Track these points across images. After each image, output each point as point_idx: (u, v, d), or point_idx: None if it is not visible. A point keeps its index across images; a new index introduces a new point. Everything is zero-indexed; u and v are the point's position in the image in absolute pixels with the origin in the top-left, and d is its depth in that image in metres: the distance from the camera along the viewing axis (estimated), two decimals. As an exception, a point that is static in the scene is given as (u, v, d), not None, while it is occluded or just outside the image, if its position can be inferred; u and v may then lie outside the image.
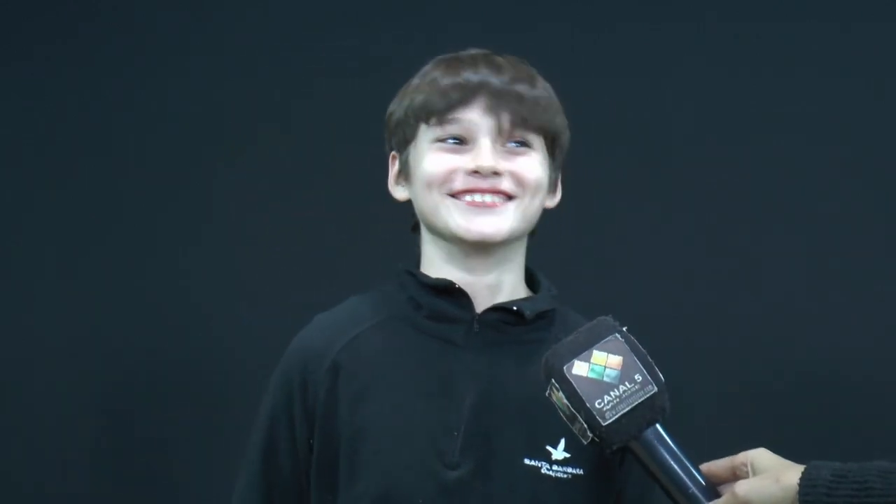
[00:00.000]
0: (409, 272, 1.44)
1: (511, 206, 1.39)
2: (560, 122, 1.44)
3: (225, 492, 1.48)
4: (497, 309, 1.41)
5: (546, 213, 1.46)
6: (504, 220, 1.38)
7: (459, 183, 1.38)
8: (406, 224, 1.49)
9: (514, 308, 1.40)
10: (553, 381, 1.22)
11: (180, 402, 2.37)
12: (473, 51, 1.45)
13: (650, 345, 1.26)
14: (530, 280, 1.49)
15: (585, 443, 1.23)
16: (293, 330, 1.47)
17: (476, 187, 1.37)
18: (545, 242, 1.50)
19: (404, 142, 1.43)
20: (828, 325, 2.27)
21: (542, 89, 1.43)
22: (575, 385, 1.21)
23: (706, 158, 2.32)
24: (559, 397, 1.22)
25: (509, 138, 1.39)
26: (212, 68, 2.43)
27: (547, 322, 1.44)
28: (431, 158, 1.39)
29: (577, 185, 2.21)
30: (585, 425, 1.21)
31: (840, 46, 2.30)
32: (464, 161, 1.38)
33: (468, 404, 1.37)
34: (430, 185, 1.39)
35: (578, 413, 1.21)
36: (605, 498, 1.42)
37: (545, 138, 1.42)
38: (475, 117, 1.38)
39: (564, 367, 1.21)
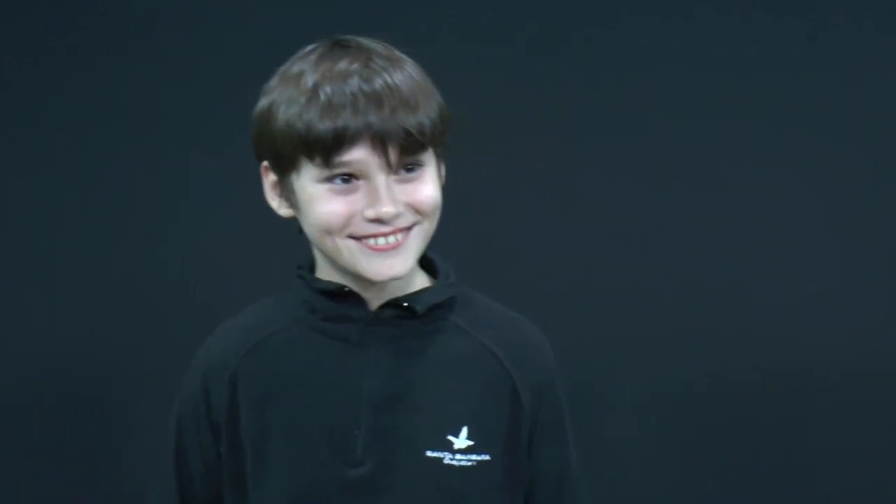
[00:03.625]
0: (301, 276, 1.45)
1: (412, 235, 1.36)
2: (439, 116, 1.36)
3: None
4: (390, 305, 1.41)
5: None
6: (408, 257, 1.36)
7: (359, 228, 1.33)
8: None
9: (406, 304, 1.41)
10: None
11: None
12: (346, 61, 1.33)
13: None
14: (431, 267, 1.49)
15: None
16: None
17: (378, 232, 1.33)
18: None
19: (283, 165, 1.37)
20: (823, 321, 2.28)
21: (420, 93, 1.34)
22: None
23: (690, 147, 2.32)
24: None
25: (400, 167, 1.34)
26: (205, 69, 2.44)
27: (445, 310, 1.44)
28: (325, 205, 1.33)
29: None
30: None
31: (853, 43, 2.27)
32: (359, 203, 1.32)
33: (367, 401, 1.39)
34: (328, 231, 1.34)
35: None
36: (516, 481, 1.43)
37: (434, 147, 1.38)
38: (363, 156, 1.31)
39: None
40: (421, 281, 1.46)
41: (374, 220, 1.32)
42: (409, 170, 1.34)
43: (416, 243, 1.37)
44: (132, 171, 2.46)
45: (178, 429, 1.46)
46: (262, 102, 1.38)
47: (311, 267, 1.46)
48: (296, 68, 1.37)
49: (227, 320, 1.50)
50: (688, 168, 2.31)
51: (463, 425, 1.39)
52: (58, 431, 2.46)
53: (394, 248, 1.35)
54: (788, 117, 2.27)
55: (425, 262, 1.47)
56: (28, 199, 2.49)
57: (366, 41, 1.38)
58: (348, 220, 1.33)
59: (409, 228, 1.35)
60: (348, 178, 1.33)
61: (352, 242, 1.34)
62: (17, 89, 2.49)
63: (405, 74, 1.35)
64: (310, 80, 1.33)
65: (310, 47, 1.39)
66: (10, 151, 2.50)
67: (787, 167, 2.28)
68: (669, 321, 2.29)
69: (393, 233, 1.34)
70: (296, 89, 1.34)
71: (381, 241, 1.34)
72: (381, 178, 1.32)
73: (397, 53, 1.38)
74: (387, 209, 1.31)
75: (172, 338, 2.33)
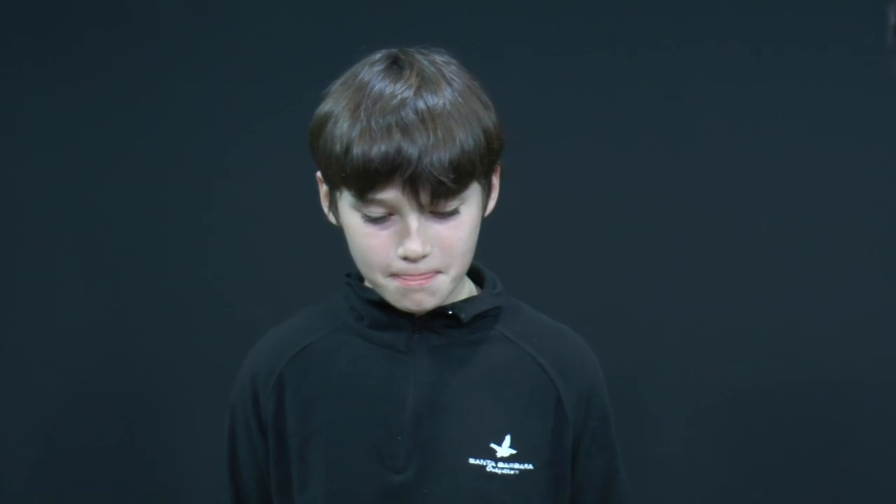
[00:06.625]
0: (349, 284, 1.46)
1: (442, 277, 1.38)
2: (485, 146, 1.35)
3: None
4: (436, 314, 1.42)
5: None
6: (437, 294, 1.38)
7: (393, 267, 1.35)
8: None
9: (451, 312, 1.42)
10: None
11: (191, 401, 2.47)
12: (399, 85, 1.33)
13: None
14: (478, 276, 1.49)
15: None
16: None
17: (408, 270, 1.35)
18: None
19: (328, 181, 1.39)
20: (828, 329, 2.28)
21: (464, 126, 1.33)
22: None
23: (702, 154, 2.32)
24: None
25: (434, 209, 1.34)
26: (224, 68, 2.47)
27: (491, 320, 1.45)
28: (363, 240, 1.35)
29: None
30: None
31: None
32: (392, 241, 1.34)
33: (411, 408, 1.40)
34: (369, 267, 1.37)
35: None
36: (560, 491, 1.43)
37: (475, 180, 1.37)
38: (394, 196, 1.32)
39: None
40: (468, 290, 1.47)
41: (404, 258, 1.34)
42: (443, 214, 1.35)
43: (447, 284, 1.38)
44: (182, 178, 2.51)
45: (230, 433, 1.49)
46: (320, 108, 1.39)
47: (360, 274, 1.47)
48: (354, 81, 1.37)
49: (275, 326, 1.52)
50: (691, 169, 2.31)
51: (506, 433, 1.40)
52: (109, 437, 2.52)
53: (423, 283, 1.36)
54: (790, 118, 2.28)
55: (472, 272, 1.48)
56: (58, 204, 2.54)
57: (422, 59, 1.37)
58: (385, 259, 1.35)
59: (438, 272, 1.36)
60: (382, 214, 1.34)
61: (390, 280, 1.37)
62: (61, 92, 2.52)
63: (452, 104, 1.34)
64: (360, 98, 1.34)
65: (377, 56, 1.39)
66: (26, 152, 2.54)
67: (797, 168, 2.29)
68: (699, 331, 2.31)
69: (422, 275, 1.36)
70: (347, 104, 1.35)
71: (411, 279, 1.36)
72: (412, 217, 1.33)
73: (449, 75, 1.37)
74: (414, 248, 1.33)
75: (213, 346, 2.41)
